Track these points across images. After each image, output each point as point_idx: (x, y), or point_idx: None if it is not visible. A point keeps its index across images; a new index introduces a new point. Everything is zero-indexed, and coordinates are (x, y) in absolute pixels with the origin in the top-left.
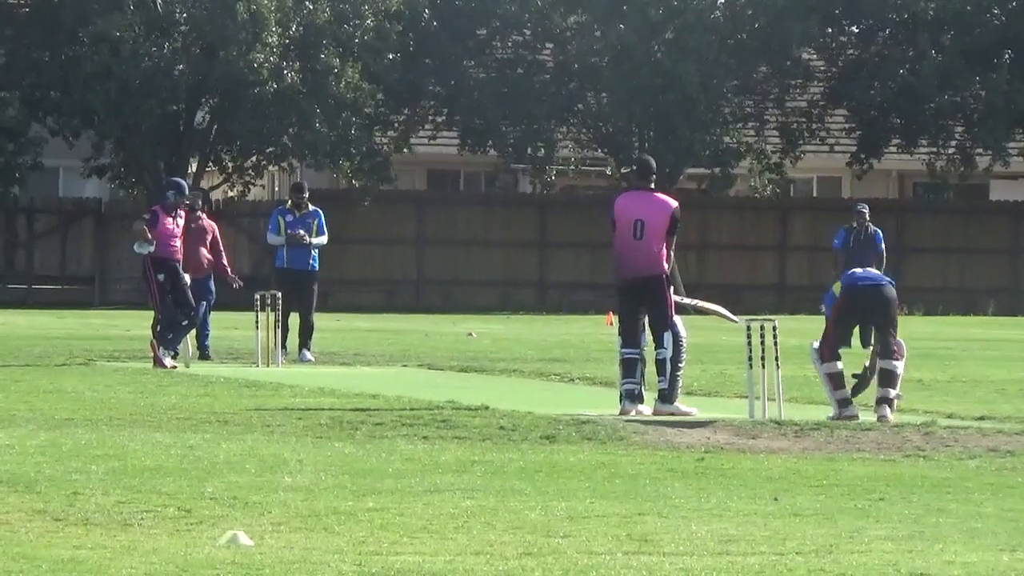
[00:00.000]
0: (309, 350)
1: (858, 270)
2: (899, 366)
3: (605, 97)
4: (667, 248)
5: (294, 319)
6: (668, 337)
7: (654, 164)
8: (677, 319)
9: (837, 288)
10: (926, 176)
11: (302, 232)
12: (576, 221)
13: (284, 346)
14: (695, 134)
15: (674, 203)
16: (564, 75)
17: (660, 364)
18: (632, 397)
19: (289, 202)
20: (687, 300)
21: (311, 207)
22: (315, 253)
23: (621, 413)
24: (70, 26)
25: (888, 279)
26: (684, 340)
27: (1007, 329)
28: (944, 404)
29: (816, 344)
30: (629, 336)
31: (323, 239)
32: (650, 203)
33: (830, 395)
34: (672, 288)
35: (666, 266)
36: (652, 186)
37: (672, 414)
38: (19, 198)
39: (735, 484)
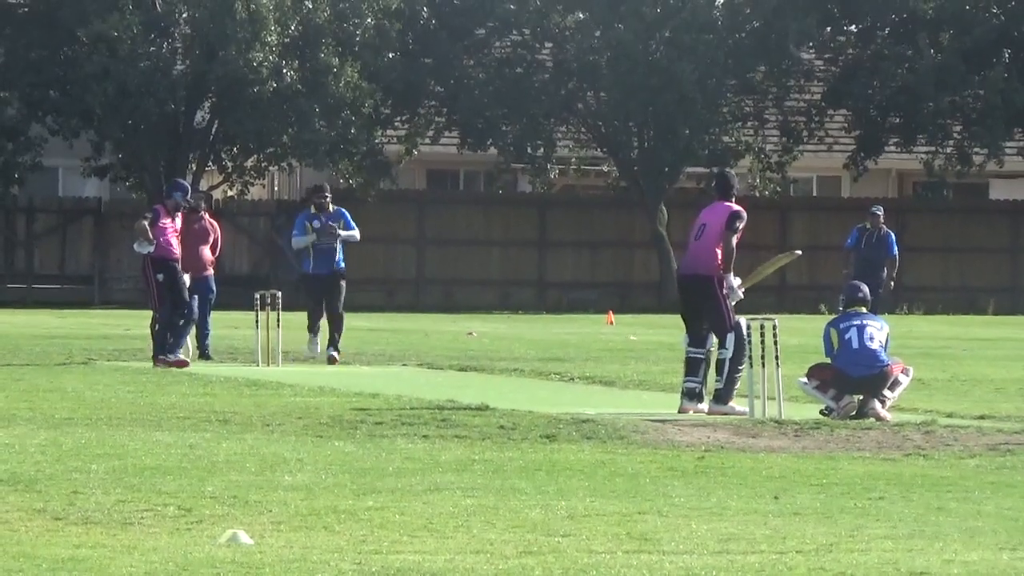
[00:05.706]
0: (337, 349)
1: (853, 338)
2: (905, 380)
3: (604, 96)
4: (723, 246)
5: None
6: (731, 338)
7: (731, 179)
8: (742, 320)
9: (834, 337)
10: (925, 175)
11: (333, 224)
12: (576, 220)
13: (316, 337)
14: (694, 133)
15: (736, 207)
16: (563, 74)
17: (719, 364)
18: (691, 395)
19: (312, 207)
20: (752, 279)
21: (333, 208)
22: (340, 255)
23: (680, 411)
24: (69, 26)
25: (884, 360)
26: (749, 342)
27: (1007, 328)
28: (944, 403)
29: (804, 379)
30: (693, 335)
31: (354, 233)
32: (717, 211)
33: (823, 398)
34: (728, 290)
35: (720, 267)
36: (730, 199)
37: (725, 414)
38: (19, 198)
39: (735, 483)
